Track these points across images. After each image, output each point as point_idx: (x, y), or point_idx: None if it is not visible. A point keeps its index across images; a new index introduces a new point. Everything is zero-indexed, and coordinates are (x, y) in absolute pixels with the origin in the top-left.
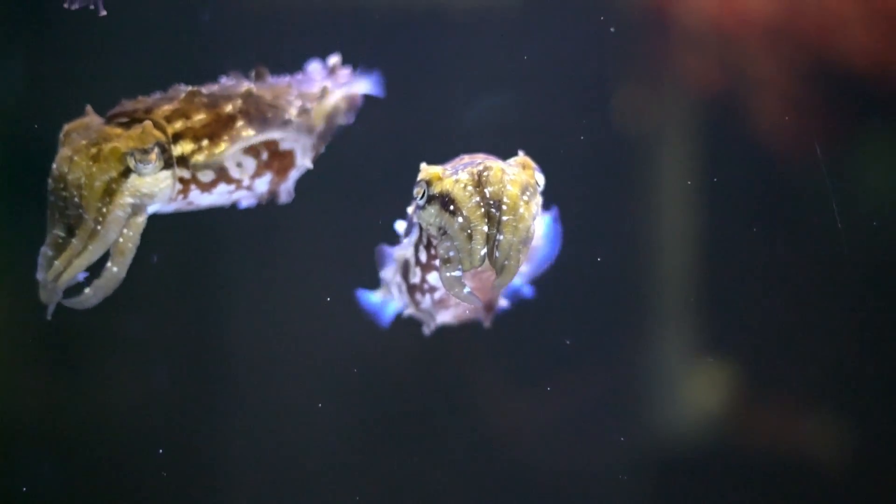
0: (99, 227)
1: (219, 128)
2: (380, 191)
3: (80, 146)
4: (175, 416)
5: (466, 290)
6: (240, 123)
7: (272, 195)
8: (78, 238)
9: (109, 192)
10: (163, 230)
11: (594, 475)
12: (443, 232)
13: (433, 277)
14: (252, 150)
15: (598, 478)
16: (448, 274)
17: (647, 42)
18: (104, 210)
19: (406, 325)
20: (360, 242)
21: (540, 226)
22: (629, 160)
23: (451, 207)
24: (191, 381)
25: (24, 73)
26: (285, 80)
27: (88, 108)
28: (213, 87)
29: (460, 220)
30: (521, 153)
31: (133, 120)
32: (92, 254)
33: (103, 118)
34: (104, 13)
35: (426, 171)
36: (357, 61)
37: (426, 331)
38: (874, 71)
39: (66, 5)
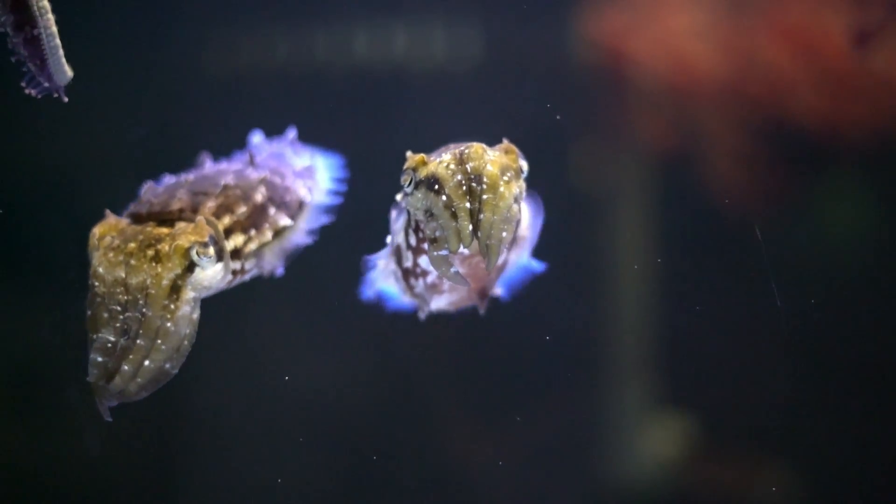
0: (169, 325)
1: (259, 218)
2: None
3: (131, 249)
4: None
5: (454, 269)
6: (272, 210)
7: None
8: (144, 338)
9: (175, 289)
10: None
11: None
12: (429, 214)
13: (424, 261)
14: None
15: None
16: (436, 254)
17: (601, 101)
18: (172, 307)
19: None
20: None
21: (525, 213)
22: (584, 217)
23: (436, 187)
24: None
25: None
26: (273, 161)
27: (108, 212)
28: (208, 174)
29: (444, 198)
30: (504, 140)
31: (165, 220)
32: (165, 353)
33: (127, 219)
34: (66, 100)
35: (412, 158)
36: (314, 129)
37: (421, 315)
38: (823, 129)
39: (26, 90)
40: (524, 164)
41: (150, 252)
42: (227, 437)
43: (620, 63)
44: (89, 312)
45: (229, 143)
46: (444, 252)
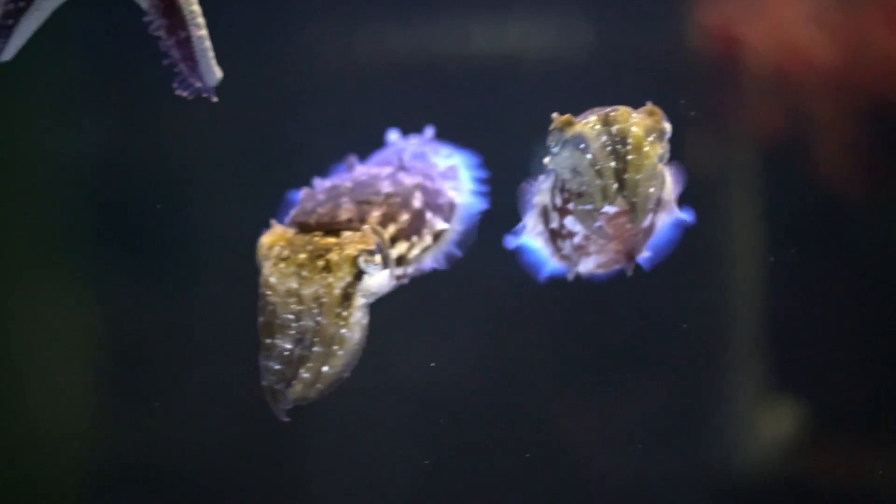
0: (344, 331)
1: (419, 223)
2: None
3: (302, 260)
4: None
5: (598, 224)
6: (429, 215)
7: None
8: (321, 346)
9: (347, 297)
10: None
11: (659, 496)
12: (575, 172)
13: (570, 222)
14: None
15: (663, 499)
16: (580, 208)
17: (713, 89)
18: (345, 314)
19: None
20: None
21: (668, 175)
22: (696, 204)
23: (582, 146)
24: None
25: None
26: (418, 163)
27: (274, 222)
28: (365, 180)
29: (589, 157)
30: (648, 103)
31: (331, 230)
32: (342, 358)
33: (293, 228)
34: (216, 100)
35: (558, 119)
36: (436, 124)
37: (569, 277)
38: None
39: (177, 92)
40: (668, 126)
41: (321, 262)
42: (346, 407)
43: (732, 50)
44: (262, 319)
45: (355, 141)
46: (588, 207)
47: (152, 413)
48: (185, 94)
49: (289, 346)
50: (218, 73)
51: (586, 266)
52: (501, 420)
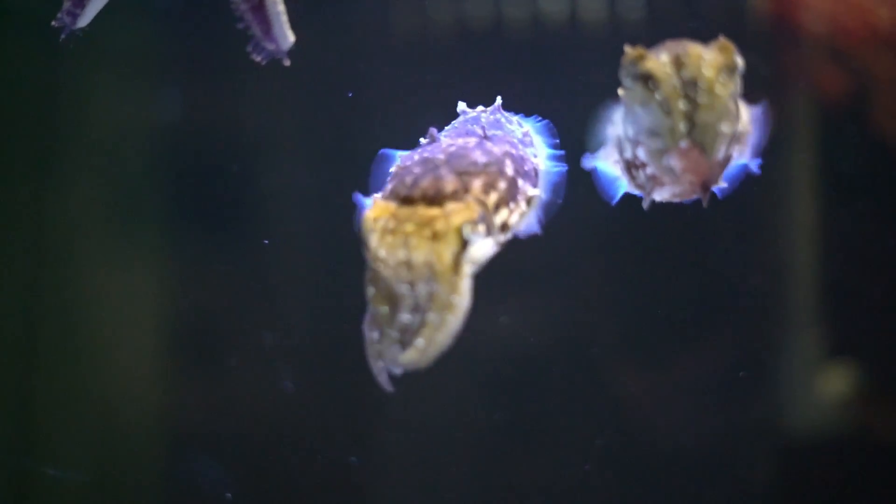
0: (454, 298)
1: (514, 190)
2: None
3: (409, 231)
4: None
5: (667, 162)
6: (520, 182)
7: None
8: (434, 313)
9: (456, 265)
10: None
11: (718, 458)
12: (646, 108)
13: (643, 153)
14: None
15: (722, 460)
16: (650, 144)
17: (775, 48)
18: (455, 281)
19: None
20: None
21: (745, 108)
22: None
23: (651, 84)
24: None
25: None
26: (498, 131)
27: (376, 196)
28: (457, 151)
29: (658, 97)
30: (721, 37)
31: (434, 202)
32: (452, 324)
33: (395, 202)
34: (288, 63)
35: (630, 52)
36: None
37: (644, 205)
38: None
39: (251, 56)
40: (740, 61)
41: (427, 232)
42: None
43: (794, 9)
44: (373, 291)
45: (423, 111)
46: (658, 145)
47: (223, 380)
48: (258, 58)
49: (405, 316)
50: (291, 38)
51: (662, 195)
52: (564, 378)
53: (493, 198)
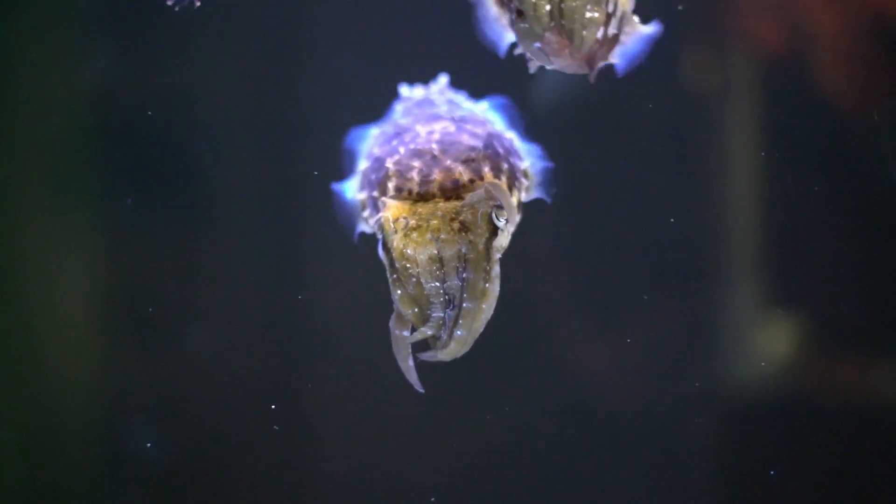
0: (488, 285)
1: (513, 168)
2: None
3: (436, 226)
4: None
5: (537, 45)
6: (512, 159)
7: None
8: (471, 301)
9: (487, 253)
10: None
11: (664, 420)
12: None
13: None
14: None
15: (669, 423)
16: (520, 24)
17: (711, 2)
18: (488, 267)
19: None
20: None
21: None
22: (695, 120)
23: None
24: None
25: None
26: (459, 111)
27: (386, 199)
28: (446, 139)
29: None
30: None
31: (451, 195)
32: (487, 312)
33: (408, 200)
34: (198, 4)
35: None
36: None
37: (531, 69)
38: None
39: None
40: None
41: (456, 225)
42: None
43: None
44: (404, 293)
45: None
46: (525, 25)
47: (158, 353)
48: (170, 2)
49: (439, 312)
50: None
51: (555, 64)
52: (509, 348)
53: (503, 180)
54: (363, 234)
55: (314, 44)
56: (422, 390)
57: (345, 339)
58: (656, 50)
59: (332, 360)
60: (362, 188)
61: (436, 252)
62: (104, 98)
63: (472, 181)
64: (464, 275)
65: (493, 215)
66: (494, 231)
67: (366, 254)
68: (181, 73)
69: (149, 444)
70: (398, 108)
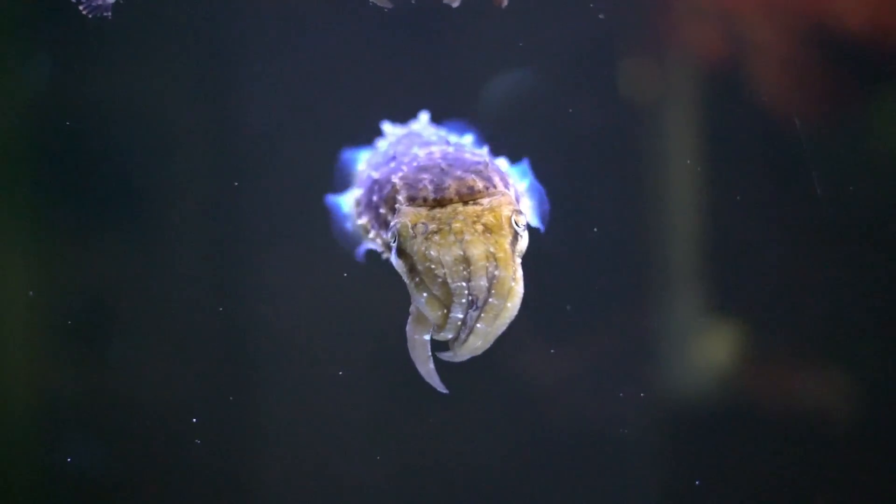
0: (514, 284)
1: (513, 187)
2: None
3: (458, 228)
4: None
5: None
6: (509, 179)
7: None
8: (497, 298)
9: (512, 254)
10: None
11: (606, 431)
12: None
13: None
14: None
15: (610, 433)
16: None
17: (648, 12)
18: (515, 268)
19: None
20: None
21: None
22: (634, 129)
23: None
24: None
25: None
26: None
27: (403, 206)
28: (450, 156)
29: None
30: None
31: (468, 198)
32: (511, 311)
33: (424, 207)
34: (109, 15)
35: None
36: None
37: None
38: (872, 34)
39: (82, 11)
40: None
41: (479, 227)
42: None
43: None
44: (426, 296)
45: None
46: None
47: (97, 361)
48: (84, 10)
49: (459, 314)
50: None
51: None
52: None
53: (512, 191)
54: (371, 252)
55: (246, 48)
56: (445, 391)
57: (281, 351)
58: (594, 58)
59: (271, 372)
60: (361, 215)
61: (461, 253)
62: (39, 107)
63: (486, 188)
64: (494, 272)
65: (514, 219)
66: (515, 234)
67: (303, 266)
68: (116, 81)
69: (83, 453)
70: (382, 143)
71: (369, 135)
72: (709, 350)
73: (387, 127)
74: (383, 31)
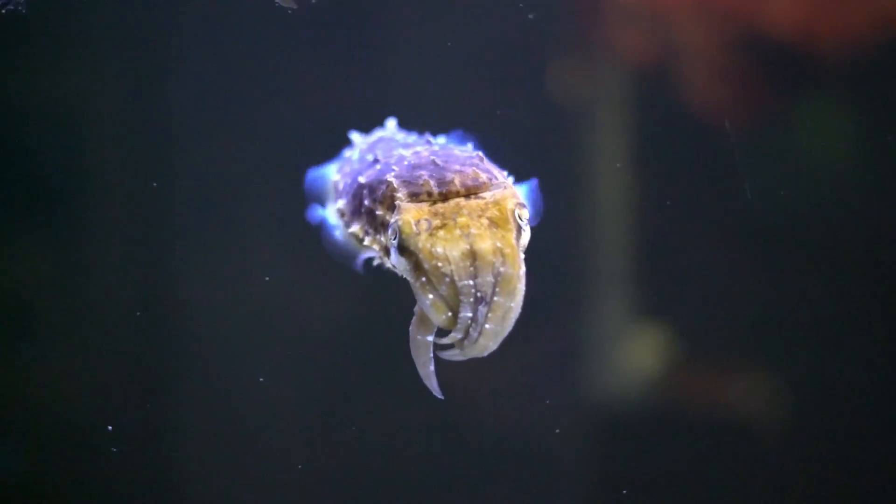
0: (520, 282)
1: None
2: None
3: (464, 223)
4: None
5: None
6: (501, 175)
7: None
8: (504, 296)
9: (517, 248)
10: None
11: (533, 439)
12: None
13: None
14: None
15: (537, 441)
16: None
17: (578, 14)
18: (520, 264)
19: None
20: None
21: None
22: (563, 131)
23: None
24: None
25: None
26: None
27: (401, 204)
28: (443, 153)
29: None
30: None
31: (471, 192)
32: (517, 307)
33: (426, 203)
34: (23, 10)
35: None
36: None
37: None
38: (801, 38)
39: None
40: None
41: (484, 221)
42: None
43: None
44: (432, 297)
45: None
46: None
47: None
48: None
49: (467, 312)
50: None
51: None
52: (379, 363)
53: (510, 184)
54: (370, 260)
55: (188, 47)
56: (441, 396)
57: (200, 359)
58: (523, 59)
59: (190, 380)
60: (350, 224)
61: (468, 248)
62: None
63: (489, 180)
64: (500, 269)
65: (517, 213)
66: (519, 228)
67: (244, 266)
68: (31, 77)
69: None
70: (351, 153)
71: (326, 147)
72: (637, 355)
73: (355, 137)
74: (306, 35)
